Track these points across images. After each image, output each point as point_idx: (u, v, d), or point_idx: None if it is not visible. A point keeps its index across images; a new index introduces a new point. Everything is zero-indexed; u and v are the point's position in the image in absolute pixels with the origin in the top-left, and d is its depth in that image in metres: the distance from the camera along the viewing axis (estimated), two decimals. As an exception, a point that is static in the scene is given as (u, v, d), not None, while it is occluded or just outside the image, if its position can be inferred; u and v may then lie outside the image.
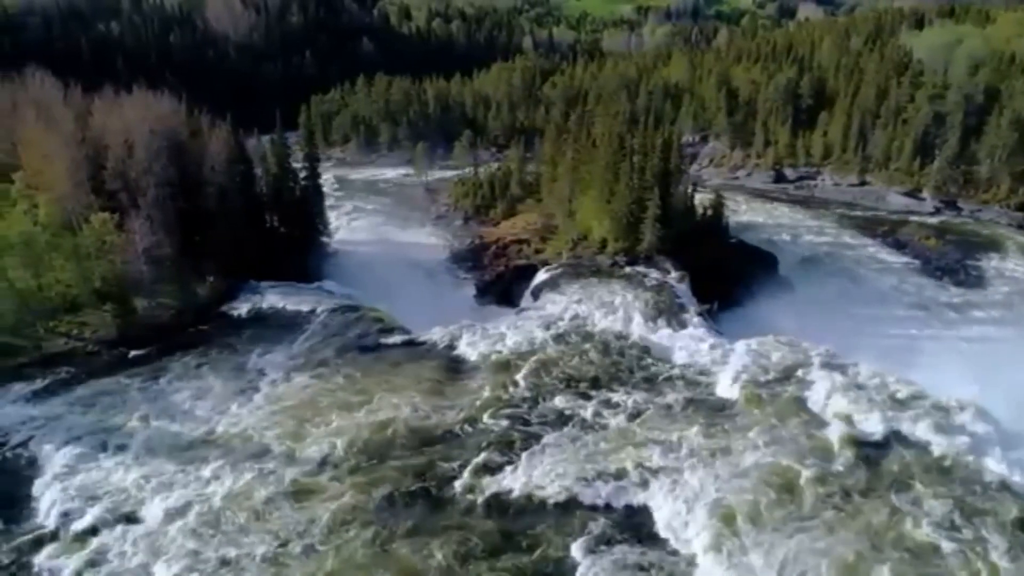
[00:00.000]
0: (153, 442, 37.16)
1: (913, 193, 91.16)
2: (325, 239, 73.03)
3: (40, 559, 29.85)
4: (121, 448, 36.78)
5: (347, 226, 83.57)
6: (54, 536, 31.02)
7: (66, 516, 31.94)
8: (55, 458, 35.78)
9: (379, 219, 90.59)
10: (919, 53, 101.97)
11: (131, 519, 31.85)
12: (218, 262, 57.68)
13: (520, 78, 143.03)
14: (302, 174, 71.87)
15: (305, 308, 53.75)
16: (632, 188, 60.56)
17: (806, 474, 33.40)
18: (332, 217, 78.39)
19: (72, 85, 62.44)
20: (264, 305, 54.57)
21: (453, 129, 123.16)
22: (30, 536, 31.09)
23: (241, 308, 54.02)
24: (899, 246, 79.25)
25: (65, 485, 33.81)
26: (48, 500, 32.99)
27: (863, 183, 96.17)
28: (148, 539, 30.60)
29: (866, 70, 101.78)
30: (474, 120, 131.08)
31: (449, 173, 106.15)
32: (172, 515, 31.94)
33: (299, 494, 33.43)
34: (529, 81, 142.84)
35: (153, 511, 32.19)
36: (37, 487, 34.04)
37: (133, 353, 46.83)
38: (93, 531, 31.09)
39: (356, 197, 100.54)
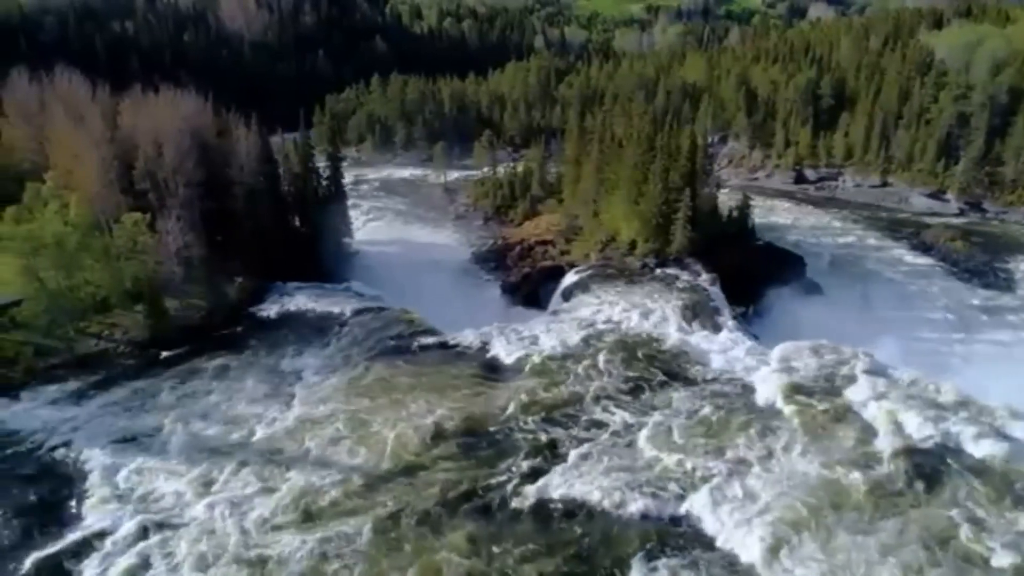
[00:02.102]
0: (193, 446, 36.73)
1: (937, 194, 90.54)
2: (347, 239, 72.65)
3: (85, 565, 29.45)
4: (160, 451, 36.39)
5: (365, 226, 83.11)
6: (99, 541, 30.55)
7: (110, 521, 31.48)
8: (95, 462, 35.35)
9: (398, 219, 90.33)
10: (940, 53, 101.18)
11: (176, 524, 31.40)
12: (245, 263, 57.42)
13: (535, 77, 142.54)
14: (325, 174, 71.54)
15: (335, 310, 53.35)
16: (662, 189, 59.99)
17: (859, 483, 32.87)
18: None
19: (100, 84, 62.06)
20: (292, 307, 54.22)
21: (469, 129, 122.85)
22: (74, 541, 30.67)
23: (270, 309, 53.69)
24: (925, 248, 78.57)
25: (108, 489, 33.42)
26: (91, 505, 32.59)
27: (885, 184, 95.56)
28: (194, 544, 30.15)
29: (887, 70, 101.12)
30: (490, 120, 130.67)
31: (466, 173, 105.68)
32: (217, 520, 31.49)
33: (343, 500, 32.99)
34: (544, 81, 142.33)
35: (198, 516, 31.76)
36: (79, 491, 33.64)
37: (165, 354, 46.51)
38: (138, 536, 30.60)
39: (373, 197, 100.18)
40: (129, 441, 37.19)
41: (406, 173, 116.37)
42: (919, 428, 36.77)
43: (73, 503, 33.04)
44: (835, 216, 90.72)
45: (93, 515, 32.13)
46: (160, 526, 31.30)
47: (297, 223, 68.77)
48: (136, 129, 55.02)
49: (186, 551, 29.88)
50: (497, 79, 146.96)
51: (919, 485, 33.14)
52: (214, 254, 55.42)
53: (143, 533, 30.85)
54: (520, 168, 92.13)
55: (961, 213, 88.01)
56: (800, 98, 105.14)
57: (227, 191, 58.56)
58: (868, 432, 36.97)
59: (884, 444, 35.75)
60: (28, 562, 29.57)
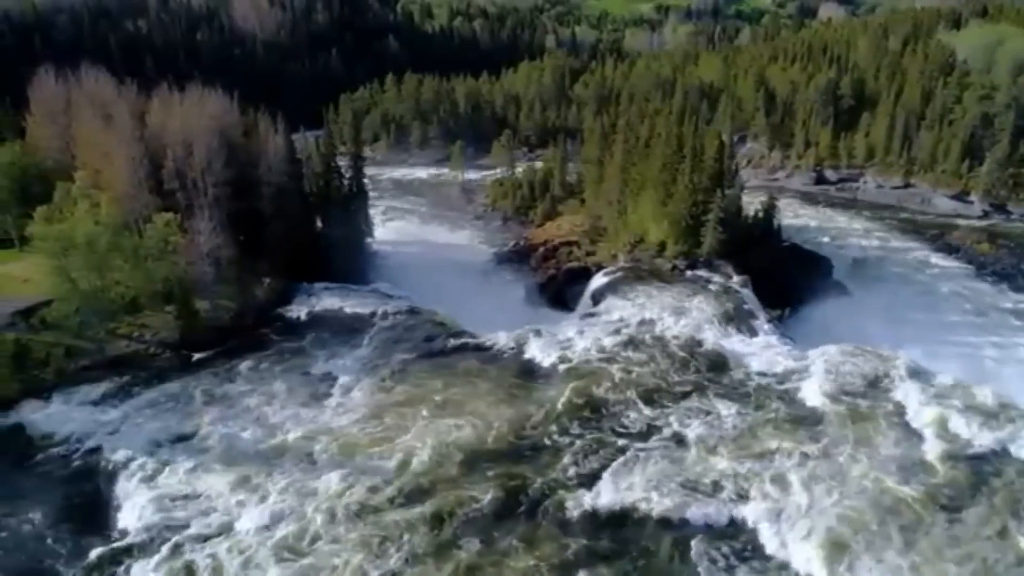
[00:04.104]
0: (229, 449, 36.36)
1: (960, 196, 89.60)
2: (368, 239, 72.18)
3: (125, 567, 29.08)
4: (198, 454, 36.00)
5: (384, 226, 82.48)
6: (139, 544, 30.17)
7: (152, 523, 31.13)
8: (132, 464, 35.01)
9: (416, 219, 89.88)
10: (962, 53, 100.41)
11: (219, 526, 30.99)
12: (272, 263, 56.95)
13: (550, 77, 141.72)
14: (347, 174, 71.00)
15: (364, 311, 52.83)
16: (692, 190, 59.37)
17: (912, 491, 32.50)
18: (370, 216, 77.47)
19: (128, 82, 61.54)
20: (320, 308, 53.70)
21: (485, 129, 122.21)
22: (117, 546, 30.30)
23: (299, 310, 53.17)
24: (950, 250, 77.89)
25: (147, 492, 33.03)
26: (131, 507, 32.21)
27: (908, 185, 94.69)
28: (235, 546, 29.75)
29: (909, 70, 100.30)
30: (505, 119, 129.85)
31: (483, 173, 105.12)
32: (260, 523, 31.12)
33: (384, 504, 32.54)
34: (559, 80, 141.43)
35: (241, 519, 31.35)
36: (118, 494, 33.31)
37: (196, 356, 46.04)
38: (181, 540, 30.17)
39: (389, 196, 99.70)
40: (165, 444, 36.78)
41: (422, 173, 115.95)
42: (966, 432, 36.42)
43: (112, 505, 32.71)
44: (858, 217, 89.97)
45: (131, 517, 31.78)
46: (201, 528, 30.86)
47: (320, 223, 68.23)
48: (165, 128, 54.45)
49: (226, 553, 29.48)
50: (511, 78, 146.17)
51: (971, 491, 32.66)
52: (243, 254, 54.90)
53: (183, 536, 30.39)
54: (539, 168, 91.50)
55: (985, 215, 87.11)
56: (820, 98, 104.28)
57: (254, 191, 58.01)
58: (916, 437, 36.54)
59: (933, 449, 35.38)
60: (70, 564, 29.16)
